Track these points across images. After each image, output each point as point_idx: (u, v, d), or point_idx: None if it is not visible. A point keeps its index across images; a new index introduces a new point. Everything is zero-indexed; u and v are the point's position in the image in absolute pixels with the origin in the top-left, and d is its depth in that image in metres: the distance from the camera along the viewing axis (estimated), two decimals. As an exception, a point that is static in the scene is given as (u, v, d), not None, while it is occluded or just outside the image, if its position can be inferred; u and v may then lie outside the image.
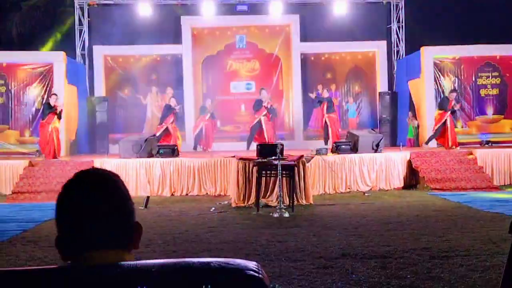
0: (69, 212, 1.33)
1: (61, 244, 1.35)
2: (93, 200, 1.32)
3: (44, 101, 15.47)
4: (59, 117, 14.28)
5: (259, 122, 15.99)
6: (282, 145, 10.41)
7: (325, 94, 16.90)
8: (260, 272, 1.24)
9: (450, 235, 7.47)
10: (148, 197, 11.19)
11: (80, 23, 18.92)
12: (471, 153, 13.98)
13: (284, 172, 10.19)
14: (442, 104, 15.47)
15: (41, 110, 15.29)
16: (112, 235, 1.33)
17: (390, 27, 19.66)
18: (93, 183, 1.36)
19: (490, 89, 17.26)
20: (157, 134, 15.32)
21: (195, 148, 17.35)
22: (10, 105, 16.32)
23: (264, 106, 15.86)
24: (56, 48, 17.30)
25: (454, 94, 15.50)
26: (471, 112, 17.22)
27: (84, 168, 12.91)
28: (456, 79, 17.16)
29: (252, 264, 1.26)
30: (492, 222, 8.48)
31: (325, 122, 16.75)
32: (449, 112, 15.10)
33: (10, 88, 16.31)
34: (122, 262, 1.28)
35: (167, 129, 15.88)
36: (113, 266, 1.26)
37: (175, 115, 16.06)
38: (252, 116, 16.68)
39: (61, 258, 1.35)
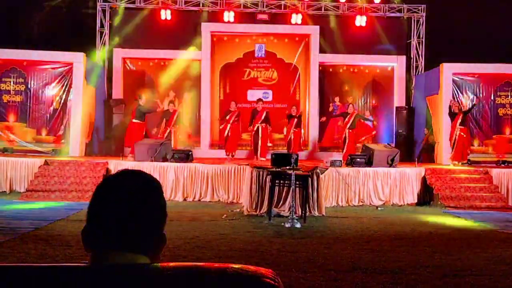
0: (104, 207, 1.32)
1: (87, 234, 1.34)
2: (130, 202, 1.31)
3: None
4: None
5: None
6: (297, 155, 10.41)
7: (350, 110, 16.37)
8: (276, 280, 1.23)
9: (462, 254, 7.39)
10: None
11: (102, 25, 19.08)
12: (486, 172, 13.85)
13: (297, 182, 10.15)
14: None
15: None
16: (139, 240, 1.31)
17: (410, 42, 19.59)
18: (135, 184, 1.35)
19: (509, 109, 17.06)
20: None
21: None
22: (28, 104, 16.37)
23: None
24: (76, 49, 17.39)
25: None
26: (488, 130, 17.05)
27: (99, 169, 13.09)
28: (475, 97, 17.01)
29: (268, 272, 1.24)
30: (506, 243, 8.40)
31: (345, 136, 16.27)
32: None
33: (29, 86, 16.38)
34: (138, 264, 1.27)
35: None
36: (129, 268, 1.25)
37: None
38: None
39: (84, 248, 1.35)
